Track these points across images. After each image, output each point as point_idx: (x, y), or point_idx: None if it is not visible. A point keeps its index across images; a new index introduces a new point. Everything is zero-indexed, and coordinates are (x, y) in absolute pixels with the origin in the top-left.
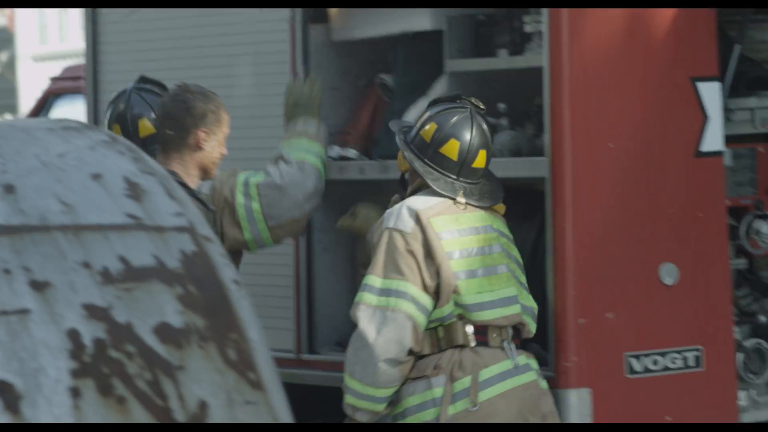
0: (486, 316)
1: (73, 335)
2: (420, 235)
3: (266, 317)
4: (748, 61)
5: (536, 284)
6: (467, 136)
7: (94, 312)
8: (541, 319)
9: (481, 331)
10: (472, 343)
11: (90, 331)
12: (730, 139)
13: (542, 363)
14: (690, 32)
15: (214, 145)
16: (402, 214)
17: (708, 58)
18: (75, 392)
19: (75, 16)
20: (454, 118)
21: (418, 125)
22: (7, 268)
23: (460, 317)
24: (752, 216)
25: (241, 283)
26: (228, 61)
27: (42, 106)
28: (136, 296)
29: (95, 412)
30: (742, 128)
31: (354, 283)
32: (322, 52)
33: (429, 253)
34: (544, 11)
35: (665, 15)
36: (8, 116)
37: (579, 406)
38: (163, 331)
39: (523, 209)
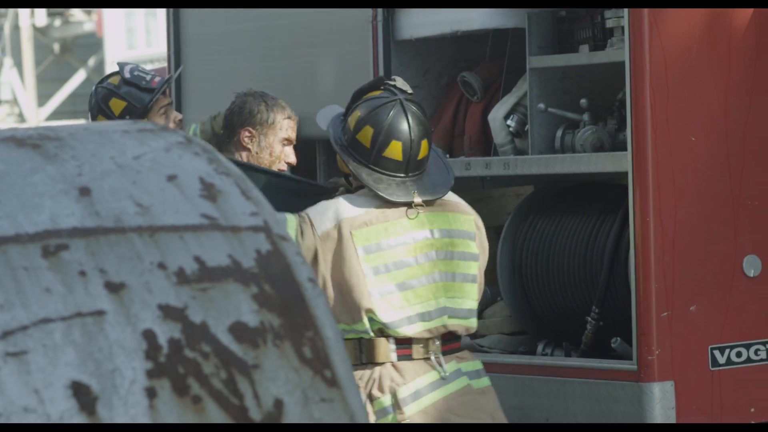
0: (407, 331)
1: (149, 336)
2: (332, 245)
3: None
4: None
5: (619, 278)
6: (407, 133)
7: (169, 312)
8: (625, 312)
9: (405, 343)
10: (393, 359)
11: (165, 332)
12: None
13: (626, 357)
14: None
15: (262, 146)
16: (327, 214)
17: None
18: (151, 392)
19: (162, 20)
20: (388, 116)
21: (351, 127)
22: (82, 270)
23: (380, 332)
24: None
25: (316, 281)
26: (311, 61)
27: None
28: (211, 296)
29: (171, 411)
30: None
31: None
32: (403, 51)
33: (338, 264)
34: (624, 9)
35: (745, 11)
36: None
37: (662, 399)
38: (239, 330)
39: (605, 204)
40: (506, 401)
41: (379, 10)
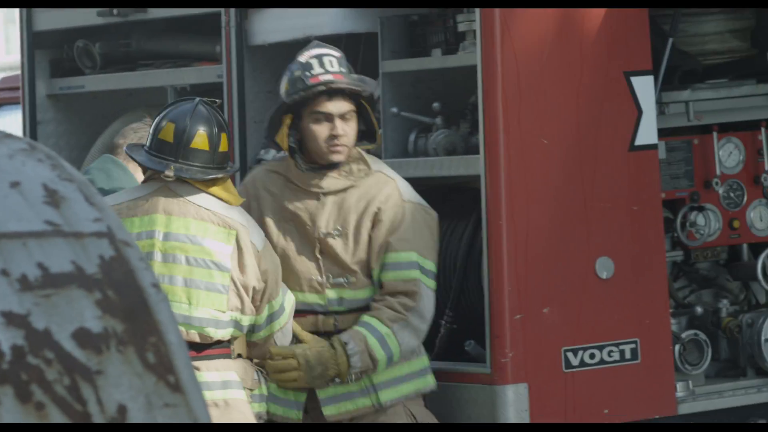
0: None
1: None
2: None
3: None
4: (681, 54)
5: (473, 281)
6: (184, 118)
7: (11, 319)
8: (479, 315)
9: None
10: None
11: (8, 339)
12: (664, 132)
13: (480, 360)
14: (623, 27)
15: None
16: None
17: (641, 53)
18: None
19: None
20: (176, 107)
21: None
22: None
23: None
24: (688, 208)
25: (159, 286)
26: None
27: None
28: (54, 302)
29: (14, 418)
30: (676, 121)
31: None
32: (256, 56)
33: None
34: (477, 10)
35: (598, 12)
36: None
37: (516, 402)
38: (82, 336)
39: (459, 207)
40: None
41: (232, 15)
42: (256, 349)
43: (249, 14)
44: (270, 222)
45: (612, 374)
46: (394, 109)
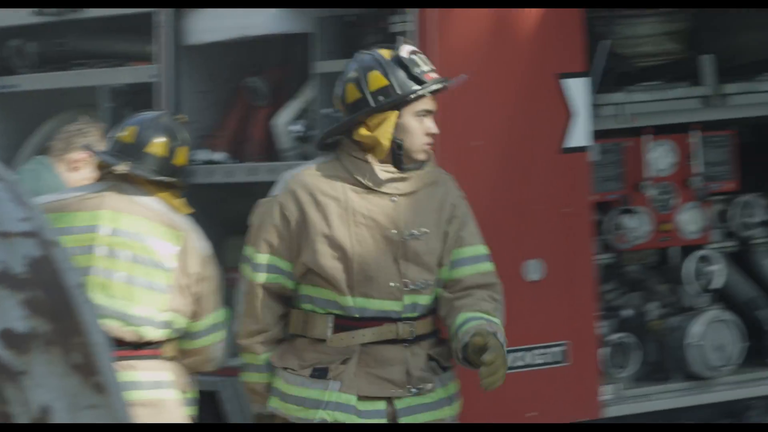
0: None
1: None
2: None
3: None
4: (616, 56)
5: None
6: (147, 125)
7: None
8: None
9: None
10: None
11: None
12: (597, 135)
13: None
14: (557, 29)
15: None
16: None
17: (575, 55)
18: None
19: None
20: (140, 115)
21: None
22: None
23: None
24: (618, 211)
25: (84, 287)
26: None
27: None
28: None
29: None
30: (609, 123)
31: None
32: (191, 56)
33: None
34: (412, 11)
35: (532, 13)
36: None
37: None
38: (7, 336)
39: None
40: None
41: (166, 15)
42: (192, 359)
43: (184, 14)
44: (340, 228)
45: (539, 377)
46: (328, 110)
